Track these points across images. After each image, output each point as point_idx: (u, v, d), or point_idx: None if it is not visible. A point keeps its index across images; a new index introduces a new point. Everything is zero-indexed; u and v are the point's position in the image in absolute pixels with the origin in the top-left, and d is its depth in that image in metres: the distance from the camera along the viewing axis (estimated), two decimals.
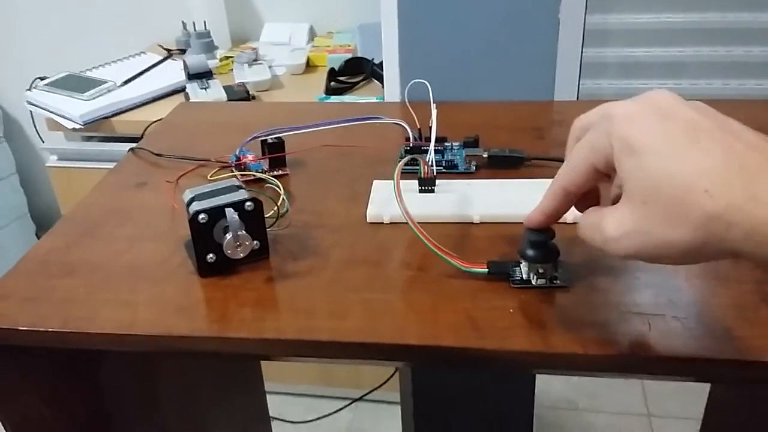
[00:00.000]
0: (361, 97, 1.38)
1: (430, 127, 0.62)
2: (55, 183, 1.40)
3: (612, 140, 0.37)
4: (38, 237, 2.06)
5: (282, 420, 1.54)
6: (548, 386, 1.62)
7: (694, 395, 0.97)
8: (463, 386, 1.01)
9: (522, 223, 0.48)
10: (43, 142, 1.53)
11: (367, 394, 1.52)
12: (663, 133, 0.35)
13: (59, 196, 1.41)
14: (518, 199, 0.57)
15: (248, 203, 0.50)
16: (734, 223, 0.32)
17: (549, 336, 0.42)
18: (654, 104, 0.37)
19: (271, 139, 0.65)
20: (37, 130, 1.64)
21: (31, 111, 1.49)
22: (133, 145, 0.73)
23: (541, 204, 0.44)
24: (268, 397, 1.06)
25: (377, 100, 1.28)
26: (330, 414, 1.56)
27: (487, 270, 0.48)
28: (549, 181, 0.59)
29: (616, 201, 0.38)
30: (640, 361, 0.41)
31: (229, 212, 0.49)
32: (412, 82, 0.65)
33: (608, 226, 0.38)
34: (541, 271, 0.46)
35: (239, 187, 0.52)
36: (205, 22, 1.59)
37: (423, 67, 0.82)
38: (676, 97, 0.38)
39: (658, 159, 0.35)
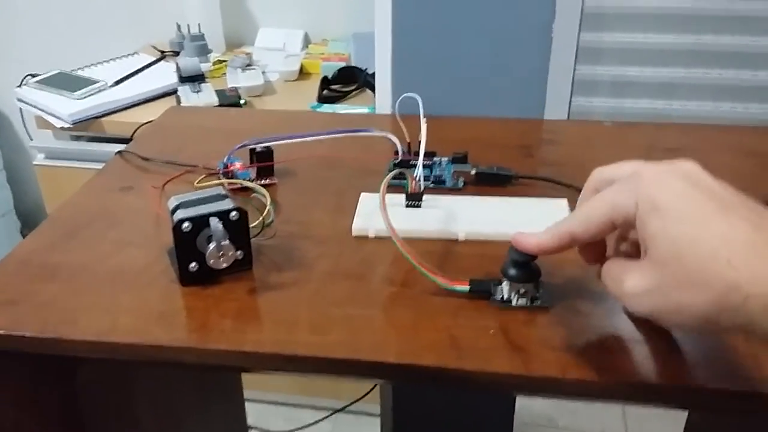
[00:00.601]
0: (354, 106, 1.38)
1: (420, 142, 0.62)
2: (42, 181, 1.39)
3: (638, 200, 0.38)
4: (23, 234, 2.04)
5: (261, 429, 1.53)
6: (529, 402, 1.61)
7: (673, 417, 0.98)
8: (443, 402, 1.01)
9: (507, 242, 0.48)
10: (32, 139, 1.52)
11: (348, 405, 1.51)
12: (690, 199, 0.36)
13: (45, 195, 1.40)
14: (504, 218, 0.57)
15: (233, 213, 0.50)
16: (753, 295, 0.33)
17: (529, 358, 0.42)
18: (683, 171, 0.38)
19: (260, 147, 0.64)
20: (26, 128, 1.63)
21: (20, 108, 1.48)
22: (122, 147, 0.72)
23: (541, 238, 0.43)
24: (247, 405, 1.06)
25: (369, 111, 1.28)
26: (310, 425, 1.55)
27: (468, 288, 0.47)
28: (536, 200, 0.60)
29: (626, 255, 0.40)
30: (620, 387, 0.41)
31: (214, 221, 0.48)
32: (402, 95, 0.65)
33: (628, 282, 0.38)
34: (522, 291, 0.46)
35: (225, 196, 0.52)
36: (199, 25, 1.58)
37: (415, 79, 0.82)
38: (703, 169, 0.39)
39: (683, 223, 0.35)
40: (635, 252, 0.41)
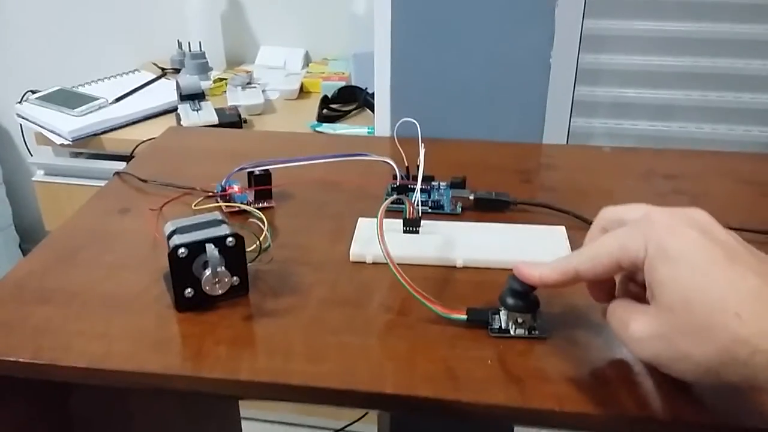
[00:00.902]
0: (353, 126, 1.38)
1: (418, 166, 0.62)
2: (41, 198, 1.39)
3: (648, 244, 0.38)
4: (22, 249, 2.04)
5: None
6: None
7: None
8: (441, 428, 1.00)
9: (505, 269, 0.48)
10: (32, 155, 1.52)
11: (347, 426, 1.50)
12: (701, 248, 0.36)
13: (44, 211, 1.40)
14: (502, 245, 0.57)
15: (229, 239, 0.50)
16: (761, 350, 0.33)
17: (526, 390, 0.42)
18: (694, 220, 0.38)
19: (258, 171, 0.64)
20: (26, 144, 1.63)
21: (21, 124, 1.48)
22: (121, 164, 0.72)
23: (545, 271, 0.43)
24: (244, 424, 1.05)
25: (368, 132, 1.28)
26: None
27: (466, 317, 0.47)
28: (534, 227, 0.59)
29: (633, 296, 0.40)
30: (618, 421, 0.40)
31: (209, 248, 0.48)
32: (401, 120, 0.65)
33: (634, 326, 0.38)
34: (520, 321, 0.46)
35: (221, 222, 0.51)
36: (200, 43, 1.59)
37: (414, 102, 0.82)
38: (714, 220, 0.39)
39: (693, 272, 0.35)
40: (642, 293, 0.41)
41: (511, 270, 0.51)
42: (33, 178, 1.39)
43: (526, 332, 0.46)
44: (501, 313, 0.47)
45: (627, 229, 0.40)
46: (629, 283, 0.43)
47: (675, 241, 0.37)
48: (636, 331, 0.38)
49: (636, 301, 0.41)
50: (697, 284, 0.35)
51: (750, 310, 0.33)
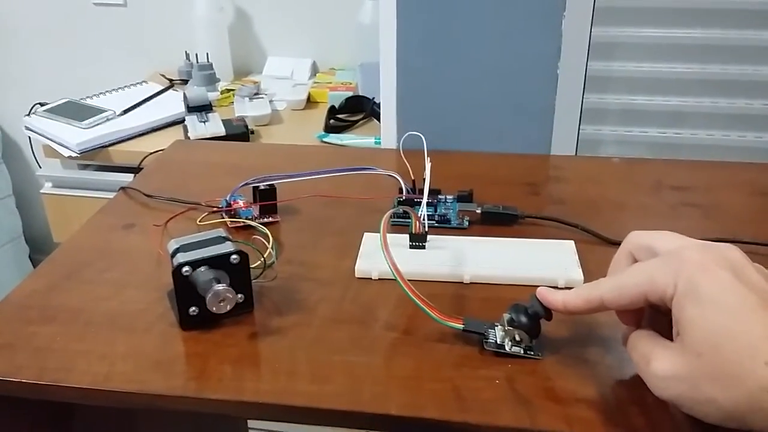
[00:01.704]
0: (360, 136, 1.38)
1: (424, 180, 0.62)
2: (50, 210, 1.39)
3: (678, 281, 0.37)
4: (31, 260, 2.04)
5: None
6: None
7: None
8: None
9: (513, 285, 0.48)
10: (40, 167, 1.52)
11: None
12: (733, 291, 0.35)
13: (53, 223, 1.40)
14: (510, 260, 0.56)
15: (234, 256, 0.49)
16: None
17: (535, 411, 0.41)
18: (728, 260, 0.37)
19: (263, 185, 0.64)
20: (34, 156, 1.63)
21: (29, 137, 1.48)
22: (129, 176, 0.72)
23: (569, 297, 0.43)
24: None
25: (375, 142, 1.28)
26: None
27: (462, 326, 0.46)
28: (543, 241, 0.58)
29: (658, 326, 0.39)
30: None
31: (215, 280, 0.48)
32: (407, 134, 0.64)
33: (657, 364, 0.37)
34: (517, 338, 0.45)
35: (225, 239, 0.51)
36: (207, 54, 1.59)
37: (420, 113, 0.81)
38: (746, 258, 0.38)
39: (723, 315, 0.35)
40: (668, 325, 0.39)
41: (519, 286, 0.51)
42: (41, 191, 1.39)
43: (522, 350, 0.45)
44: (497, 328, 0.46)
45: (657, 263, 0.39)
46: (657, 313, 0.42)
47: (707, 282, 0.36)
48: (659, 369, 0.37)
49: (661, 333, 0.40)
50: (727, 328, 0.34)
51: None
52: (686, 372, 0.36)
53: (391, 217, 0.53)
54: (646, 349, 0.39)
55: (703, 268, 0.36)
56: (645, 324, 0.42)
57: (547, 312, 0.45)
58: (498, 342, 0.46)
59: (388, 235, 0.50)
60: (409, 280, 0.48)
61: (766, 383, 0.32)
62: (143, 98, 1.52)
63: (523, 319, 0.45)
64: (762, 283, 0.36)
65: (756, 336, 0.33)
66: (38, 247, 2.06)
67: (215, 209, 0.65)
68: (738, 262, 0.37)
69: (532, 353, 0.45)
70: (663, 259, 0.39)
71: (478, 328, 0.47)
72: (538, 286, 0.50)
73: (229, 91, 1.56)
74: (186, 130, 1.34)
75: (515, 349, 0.45)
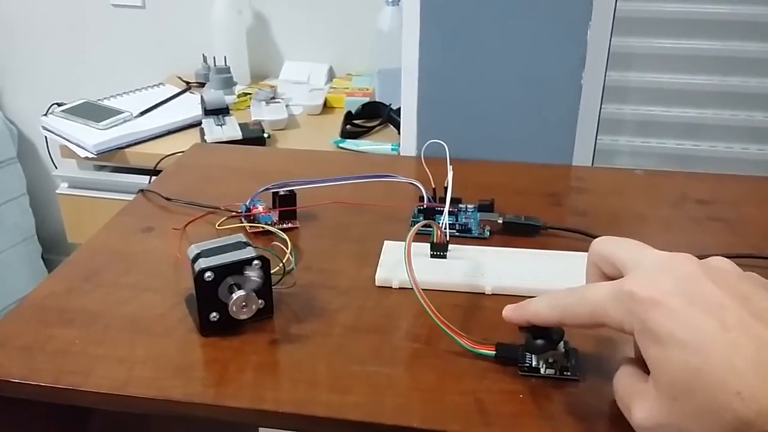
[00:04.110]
0: (377, 142, 1.37)
1: (445, 188, 0.61)
2: (64, 210, 1.39)
3: (633, 321, 0.36)
4: (44, 259, 2.05)
5: None
6: None
7: None
8: None
9: (534, 297, 0.47)
10: (56, 167, 1.52)
11: None
12: (689, 323, 0.34)
13: (67, 224, 1.40)
14: (532, 271, 0.55)
15: (255, 261, 0.49)
16: (766, 430, 0.31)
17: (559, 428, 0.40)
18: (680, 281, 0.35)
19: (283, 191, 0.63)
20: (50, 156, 1.64)
21: (46, 136, 1.49)
22: (144, 178, 0.72)
23: (531, 308, 0.42)
24: None
25: (392, 149, 1.27)
26: None
27: (494, 353, 0.46)
28: (565, 253, 0.58)
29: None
30: None
31: (248, 273, 0.47)
32: (428, 142, 0.64)
33: (638, 413, 0.36)
34: (551, 360, 0.44)
35: (246, 244, 0.50)
36: (225, 58, 1.60)
37: (440, 121, 0.81)
38: (702, 267, 0.36)
39: (684, 352, 0.33)
40: None
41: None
42: (57, 191, 1.40)
43: (558, 372, 0.44)
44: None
45: (609, 295, 0.37)
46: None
47: (660, 320, 0.34)
48: (640, 418, 0.36)
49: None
50: (692, 366, 0.33)
51: (750, 386, 0.31)
52: (667, 419, 0.34)
53: (416, 232, 0.52)
54: (625, 395, 0.38)
55: (653, 304, 0.35)
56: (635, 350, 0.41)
57: (557, 331, 0.44)
58: (533, 365, 0.45)
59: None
60: (429, 290, 0.47)
61: (741, 414, 0.31)
62: (160, 100, 1.52)
63: (538, 343, 0.44)
64: (720, 297, 0.34)
65: (720, 369, 0.32)
66: (51, 247, 2.06)
67: (234, 214, 0.65)
68: (691, 280, 0.35)
69: (568, 374, 0.45)
70: (614, 292, 0.37)
71: (512, 353, 0.46)
72: None
73: (246, 94, 1.56)
74: (203, 133, 1.34)
75: (549, 371, 0.44)
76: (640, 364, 0.38)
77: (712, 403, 0.32)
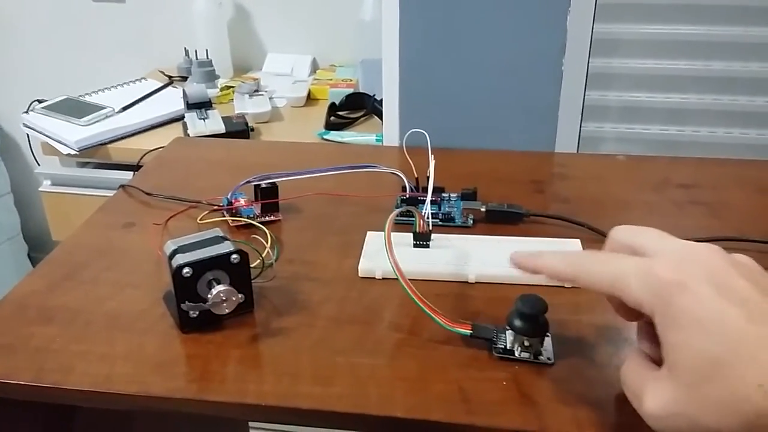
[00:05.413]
0: (361, 133, 1.37)
1: (428, 178, 0.61)
2: (48, 208, 1.38)
3: (656, 303, 0.35)
4: (30, 258, 2.03)
5: None
6: None
7: None
8: None
9: (519, 285, 0.47)
10: (39, 165, 1.51)
11: None
12: (715, 310, 0.33)
13: (51, 221, 1.39)
14: None
15: (234, 256, 0.48)
16: None
17: (543, 414, 0.40)
18: (707, 269, 0.35)
19: (265, 184, 0.63)
20: (33, 153, 1.62)
21: (27, 134, 1.47)
22: (128, 174, 0.71)
23: (557, 264, 0.41)
24: None
25: (376, 139, 1.27)
26: None
27: (470, 332, 0.46)
28: (549, 240, 0.58)
29: (651, 338, 0.37)
30: None
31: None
32: (410, 131, 0.63)
33: (650, 401, 0.35)
34: (527, 344, 0.44)
35: (224, 238, 0.50)
36: (207, 51, 1.58)
37: (422, 111, 0.80)
38: (728, 260, 0.36)
39: (707, 340, 0.33)
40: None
41: (524, 285, 0.50)
42: (40, 189, 1.38)
43: (532, 356, 0.44)
44: (507, 332, 0.45)
45: (634, 270, 0.36)
46: (648, 325, 0.40)
47: (686, 304, 0.34)
48: (653, 408, 0.35)
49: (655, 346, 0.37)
50: (714, 354, 0.32)
51: None
52: (681, 407, 0.34)
53: (395, 218, 0.52)
54: (636, 385, 0.37)
55: (680, 288, 0.34)
56: (639, 336, 0.40)
57: (539, 305, 0.44)
58: (507, 347, 0.45)
59: (391, 233, 0.50)
60: (413, 280, 0.47)
61: (760, 408, 0.31)
62: (142, 95, 1.51)
63: (521, 323, 0.44)
64: (746, 290, 0.34)
65: (744, 359, 0.32)
66: (37, 245, 2.05)
67: (216, 208, 0.64)
68: (719, 270, 0.35)
69: (542, 358, 0.45)
70: (641, 269, 0.36)
71: (487, 333, 0.46)
72: (543, 285, 0.50)
73: (228, 88, 1.55)
74: (185, 128, 1.33)
75: (524, 354, 0.44)
76: (648, 355, 0.38)
77: (731, 394, 0.32)
